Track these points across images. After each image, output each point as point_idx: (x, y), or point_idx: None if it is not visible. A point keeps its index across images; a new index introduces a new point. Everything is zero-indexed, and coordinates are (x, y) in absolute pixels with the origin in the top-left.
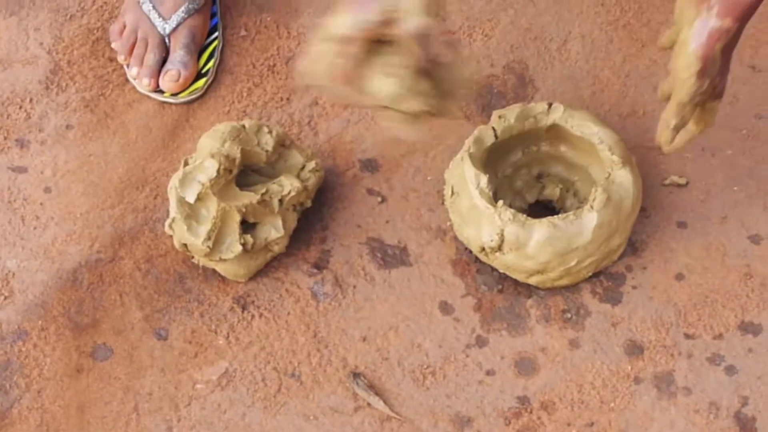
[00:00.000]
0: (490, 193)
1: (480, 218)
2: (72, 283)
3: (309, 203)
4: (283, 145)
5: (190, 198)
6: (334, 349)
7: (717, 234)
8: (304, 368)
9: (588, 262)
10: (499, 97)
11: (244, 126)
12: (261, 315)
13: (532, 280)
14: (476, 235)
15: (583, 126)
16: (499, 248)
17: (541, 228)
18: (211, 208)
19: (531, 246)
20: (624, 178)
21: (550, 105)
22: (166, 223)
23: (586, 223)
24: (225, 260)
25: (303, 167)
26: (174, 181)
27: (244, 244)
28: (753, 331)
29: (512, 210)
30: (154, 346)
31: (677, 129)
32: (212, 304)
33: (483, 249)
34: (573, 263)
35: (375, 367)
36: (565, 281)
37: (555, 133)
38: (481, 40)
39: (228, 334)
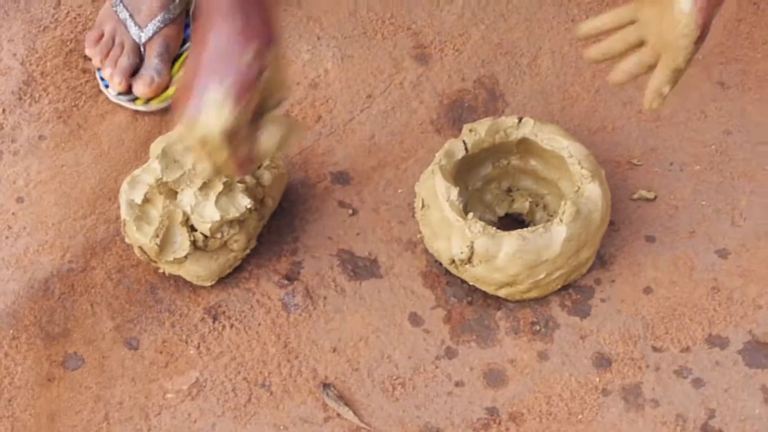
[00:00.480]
0: (461, 206)
1: (450, 230)
2: (44, 292)
3: (271, 203)
4: None
5: (138, 199)
6: (304, 359)
7: (685, 248)
8: (275, 379)
9: (557, 274)
10: (469, 110)
11: None
12: (232, 325)
13: (502, 293)
14: (446, 247)
15: (552, 140)
16: (469, 260)
17: (510, 240)
18: (160, 208)
19: (500, 258)
20: (593, 191)
21: (520, 119)
22: (122, 228)
23: (555, 236)
24: (180, 260)
25: (260, 166)
26: (123, 185)
27: (194, 241)
28: (720, 344)
29: (482, 222)
30: (125, 356)
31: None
32: (183, 315)
33: (453, 261)
34: (542, 276)
35: (345, 378)
36: (534, 294)
37: (525, 147)
38: (453, 54)
39: (199, 344)
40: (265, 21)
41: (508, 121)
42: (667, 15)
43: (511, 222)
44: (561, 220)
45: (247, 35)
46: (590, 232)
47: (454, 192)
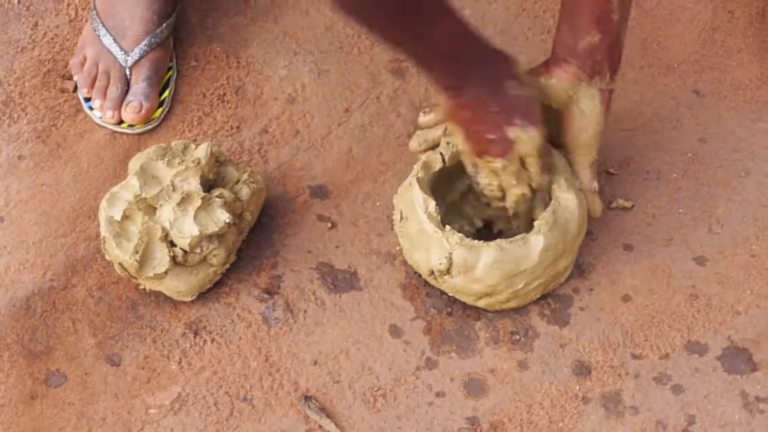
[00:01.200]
0: (438, 218)
1: (428, 242)
2: (25, 311)
3: (249, 217)
4: (218, 161)
5: (117, 216)
6: (285, 372)
7: (662, 256)
8: (256, 392)
9: (535, 284)
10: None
11: (170, 146)
12: (213, 340)
13: (481, 303)
14: (425, 258)
15: None
16: (448, 272)
17: (488, 251)
18: (139, 225)
19: (479, 269)
20: (569, 200)
21: None
22: (102, 245)
23: (533, 245)
24: (160, 276)
25: (237, 181)
26: (102, 202)
27: (173, 257)
28: (699, 350)
29: (460, 234)
30: (108, 372)
31: None
32: (164, 330)
33: (432, 273)
34: (521, 286)
35: (326, 390)
36: (513, 304)
37: None
38: None
39: (180, 359)
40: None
41: None
42: (573, 120)
43: (490, 233)
44: (539, 230)
45: (502, 74)
46: (568, 241)
47: (432, 204)
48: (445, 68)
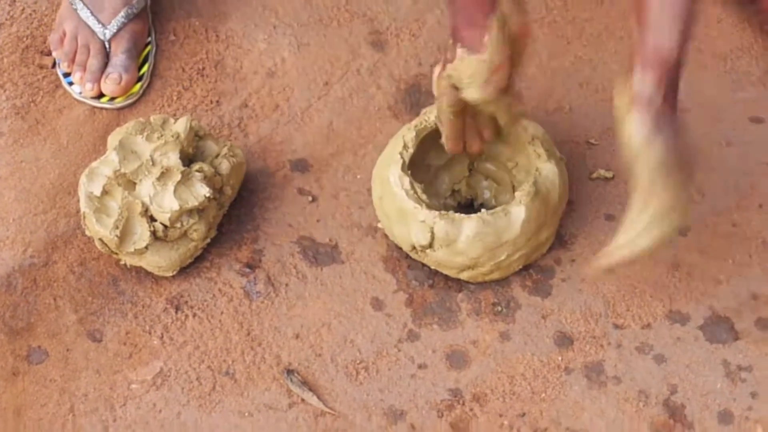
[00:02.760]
0: (419, 191)
1: (408, 217)
2: (6, 287)
3: (230, 192)
4: (197, 135)
5: (97, 191)
6: (267, 346)
7: None
8: (238, 366)
9: (518, 255)
10: (427, 95)
11: (149, 120)
12: (194, 315)
13: (463, 275)
14: (406, 233)
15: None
16: (430, 245)
17: (470, 223)
18: (119, 200)
19: (461, 242)
20: (549, 170)
21: None
22: (82, 221)
23: (514, 217)
24: (140, 251)
25: (217, 155)
26: (82, 177)
27: (154, 232)
28: (680, 320)
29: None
30: (89, 348)
31: None
32: (146, 306)
33: (413, 247)
34: (503, 257)
35: (308, 364)
36: (496, 275)
37: None
38: (409, 39)
39: (162, 334)
40: None
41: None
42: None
43: (471, 208)
44: (520, 201)
45: None
46: (549, 211)
47: (406, 180)
48: None
